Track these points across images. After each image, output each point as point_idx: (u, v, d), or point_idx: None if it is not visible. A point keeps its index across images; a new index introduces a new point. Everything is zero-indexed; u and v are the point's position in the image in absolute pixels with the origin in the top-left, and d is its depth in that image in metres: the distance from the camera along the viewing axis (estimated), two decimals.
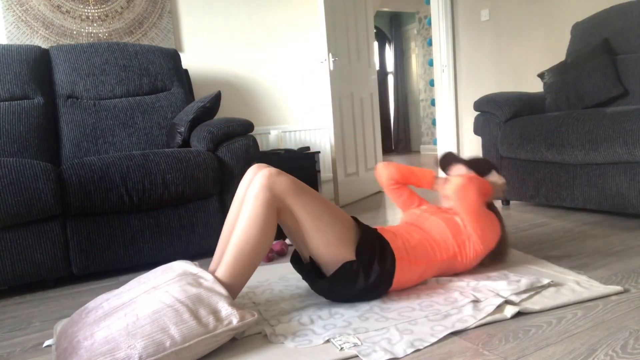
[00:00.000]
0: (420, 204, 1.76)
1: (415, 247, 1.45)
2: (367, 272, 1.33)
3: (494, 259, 1.63)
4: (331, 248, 1.31)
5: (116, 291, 1.27)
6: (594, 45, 2.66)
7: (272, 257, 2.01)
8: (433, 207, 1.69)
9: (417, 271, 1.44)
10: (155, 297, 1.14)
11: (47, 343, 1.32)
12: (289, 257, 2.02)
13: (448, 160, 1.75)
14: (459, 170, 1.70)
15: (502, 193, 1.70)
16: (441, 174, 1.82)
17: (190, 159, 1.99)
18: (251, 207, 1.25)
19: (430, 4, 4.24)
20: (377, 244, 1.37)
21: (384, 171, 1.72)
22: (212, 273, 1.25)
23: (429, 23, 6.86)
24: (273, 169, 1.30)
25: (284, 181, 1.28)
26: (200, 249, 2.06)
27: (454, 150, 4.24)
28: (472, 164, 1.70)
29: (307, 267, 1.38)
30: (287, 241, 2.20)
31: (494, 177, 1.67)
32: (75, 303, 1.66)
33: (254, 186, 1.27)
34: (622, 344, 1.06)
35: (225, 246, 1.39)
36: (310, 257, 1.37)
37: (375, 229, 1.45)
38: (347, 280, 1.33)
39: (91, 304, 1.25)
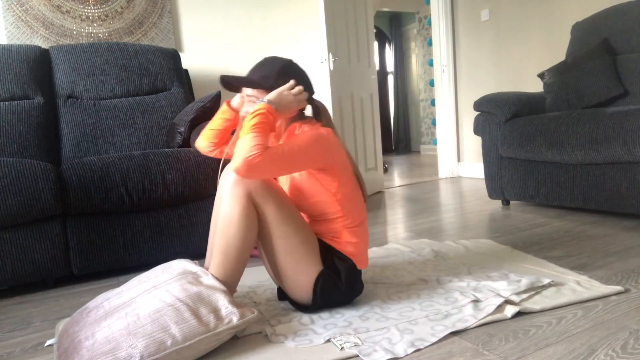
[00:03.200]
0: None
1: (323, 218, 1.34)
2: (338, 275, 1.31)
3: None
4: (294, 258, 1.26)
5: (116, 290, 1.27)
6: (594, 45, 2.66)
7: None
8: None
9: (355, 229, 1.34)
10: (155, 296, 1.14)
11: (48, 342, 1.32)
12: None
13: (230, 86, 1.36)
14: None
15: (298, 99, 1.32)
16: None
17: (190, 159, 1.99)
18: (227, 204, 1.22)
19: (430, 4, 4.24)
20: (322, 245, 1.32)
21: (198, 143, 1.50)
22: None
23: (429, 23, 6.86)
24: None
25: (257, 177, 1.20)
26: (201, 249, 2.06)
27: (453, 150, 4.24)
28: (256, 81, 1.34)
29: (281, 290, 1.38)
30: None
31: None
32: (75, 303, 1.66)
33: (227, 181, 1.24)
34: (622, 344, 1.06)
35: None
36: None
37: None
38: (329, 291, 1.30)
39: (92, 304, 1.25)
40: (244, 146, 1.15)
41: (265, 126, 1.21)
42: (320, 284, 1.28)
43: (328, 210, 1.33)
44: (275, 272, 1.31)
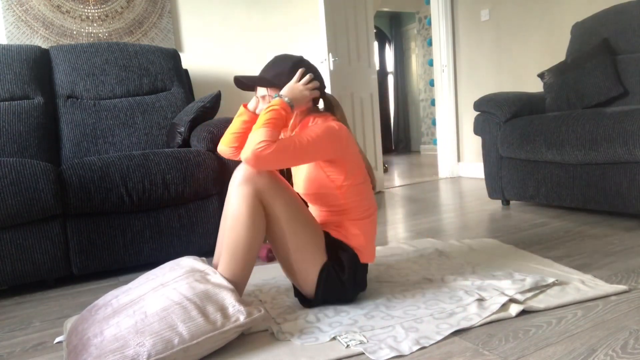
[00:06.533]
0: None
1: (327, 209, 1.37)
2: (341, 267, 1.32)
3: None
4: (302, 253, 1.28)
5: (124, 288, 1.27)
6: (594, 45, 2.66)
7: (272, 257, 2.01)
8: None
9: (360, 222, 1.35)
10: (163, 295, 1.15)
11: (57, 339, 1.33)
12: None
13: (244, 85, 1.40)
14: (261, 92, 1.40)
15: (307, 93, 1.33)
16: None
17: (190, 159, 1.99)
18: (234, 203, 1.23)
19: (430, 4, 4.24)
20: (327, 237, 1.34)
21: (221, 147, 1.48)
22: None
23: (429, 23, 6.86)
24: None
25: (265, 175, 1.24)
26: (201, 249, 2.06)
27: (453, 150, 4.24)
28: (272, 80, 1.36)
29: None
30: None
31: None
32: (75, 303, 1.66)
33: (235, 180, 1.25)
34: (622, 344, 1.06)
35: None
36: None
37: None
38: (334, 283, 1.32)
39: (100, 301, 1.26)
40: (255, 139, 1.18)
41: (278, 121, 1.23)
42: (324, 276, 1.30)
43: (332, 203, 1.36)
44: (286, 267, 1.33)
